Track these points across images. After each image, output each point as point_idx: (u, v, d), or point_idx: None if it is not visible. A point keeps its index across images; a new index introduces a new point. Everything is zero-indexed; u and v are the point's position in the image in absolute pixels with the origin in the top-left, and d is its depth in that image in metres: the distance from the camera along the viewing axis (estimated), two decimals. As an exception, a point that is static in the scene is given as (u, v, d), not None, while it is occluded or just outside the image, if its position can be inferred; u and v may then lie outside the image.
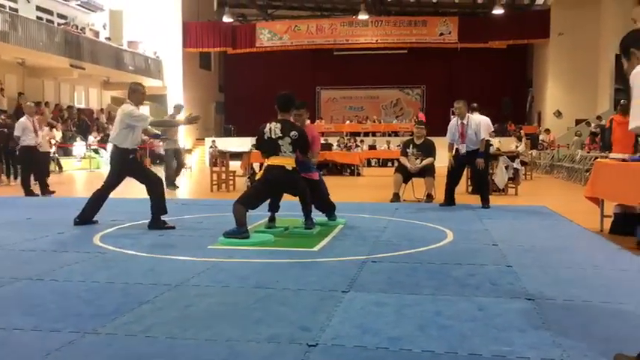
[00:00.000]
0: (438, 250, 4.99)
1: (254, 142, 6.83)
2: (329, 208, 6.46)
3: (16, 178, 12.81)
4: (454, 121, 8.36)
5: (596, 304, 3.35)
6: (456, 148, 8.33)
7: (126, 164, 6.16)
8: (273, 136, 5.51)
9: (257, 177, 5.85)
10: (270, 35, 27.73)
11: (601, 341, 2.71)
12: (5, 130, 13.34)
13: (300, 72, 29.83)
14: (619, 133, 10.26)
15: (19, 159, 10.85)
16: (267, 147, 5.55)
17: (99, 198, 6.32)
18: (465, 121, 8.19)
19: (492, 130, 10.15)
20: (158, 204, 6.21)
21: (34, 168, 10.18)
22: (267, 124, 5.58)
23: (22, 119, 10.05)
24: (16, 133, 10.07)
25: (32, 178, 10.22)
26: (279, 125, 5.54)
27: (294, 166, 5.59)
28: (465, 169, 8.82)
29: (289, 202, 6.76)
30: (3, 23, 18.14)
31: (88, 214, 6.25)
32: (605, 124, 12.38)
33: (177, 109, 11.97)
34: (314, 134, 6.29)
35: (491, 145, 10.32)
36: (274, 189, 5.65)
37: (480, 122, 8.29)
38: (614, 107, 17.17)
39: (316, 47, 27.88)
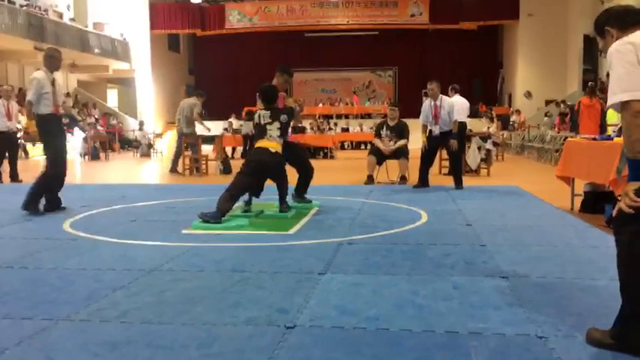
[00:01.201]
0: (413, 230, 5.04)
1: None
2: (306, 181, 6.53)
3: None
4: (427, 102, 8.41)
5: (568, 281, 3.42)
6: (430, 130, 8.39)
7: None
8: (262, 122, 5.78)
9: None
10: (240, 17, 27.40)
11: (574, 316, 2.77)
12: None
13: (271, 54, 29.54)
14: (586, 115, 10.49)
15: None
16: (257, 130, 5.85)
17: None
18: (438, 103, 8.25)
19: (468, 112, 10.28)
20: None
21: (6, 154, 9.90)
22: (257, 111, 5.87)
23: None
24: None
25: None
26: (267, 112, 5.81)
27: (279, 150, 5.73)
28: (439, 151, 8.91)
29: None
30: (-40, 4, 17.55)
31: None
32: (573, 106, 12.61)
33: (200, 95, 11.66)
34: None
35: (469, 128, 10.45)
36: (259, 171, 5.68)
37: (452, 103, 8.37)
38: (583, 88, 17.46)
39: (287, 29, 27.66)
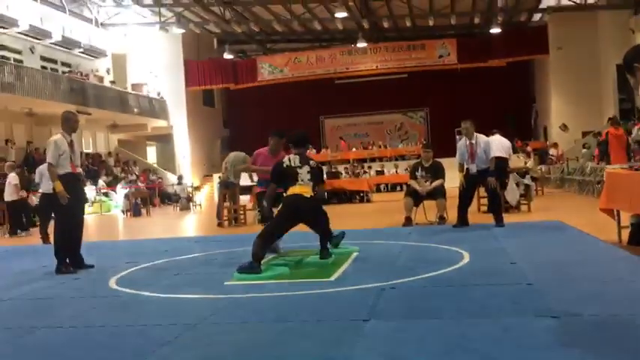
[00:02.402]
0: (456, 271, 4.94)
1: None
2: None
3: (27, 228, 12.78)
4: (463, 141, 8.37)
5: (623, 318, 3.29)
6: (467, 168, 8.31)
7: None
8: (293, 165, 5.70)
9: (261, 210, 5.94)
10: (271, 69, 28.05)
11: (630, 354, 2.65)
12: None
13: (303, 102, 30.08)
14: (616, 145, 10.31)
15: (39, 207, 10.92)
16: (285, 176, 5.71)
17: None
18: (473, 141, 8.19)
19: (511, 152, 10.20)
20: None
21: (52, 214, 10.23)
22: (285, 156, 5.87)
23: (42, 166, 10.12)
24: (36, 179, 10.16)
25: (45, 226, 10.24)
26: (297, 157, 5.81)
27: (312, 194, 5.72)
28: (477, 189, 8.79)
29: (301, 232, 6.74)
30: (9, 75, 18.47)
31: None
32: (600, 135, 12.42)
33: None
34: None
35: (509, 168, 10.34)
36: (295, 217, 5.63)
37: (489, 141, 8.28)
38: (621, 117, 17.15)
39: (317, 77, 28.14)
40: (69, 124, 6.47)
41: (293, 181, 5.65)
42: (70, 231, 6.29)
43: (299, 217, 5.67)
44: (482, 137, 8.31)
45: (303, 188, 5.65)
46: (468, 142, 8.24)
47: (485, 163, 8.16)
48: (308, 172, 5.69)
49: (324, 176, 6.45)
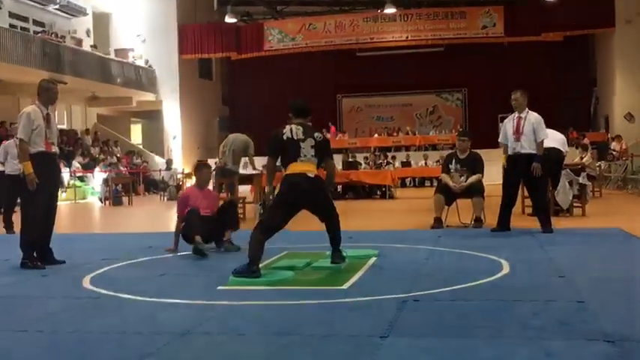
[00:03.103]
0: (493, 284, 4.94)
1: (265, 163, 6.90)
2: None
3: None
4: (510, 117, 8.31)
5: (690, 345, 3.28)
6: (509, 155, 8.18)
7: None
8: (295, 137, 5.55)
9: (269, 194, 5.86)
10: (281, 36, 28.05)
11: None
12: None
13: (318, 78, 30.06)
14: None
15: (2, 190, 11.01)
16: (286, 150, 5.56)
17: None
18: (522, 115, 8.11)
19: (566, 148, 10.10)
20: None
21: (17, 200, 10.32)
22: (286, 126, 5.66)
23: (9, 142, 10.21)
24: (0, 158, 10.25)
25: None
26: (300, 127, 5.62)
27: (317, 173, 5.60)
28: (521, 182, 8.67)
29: (310, 232, 6.78)
30: (-29, 34, 18.66)
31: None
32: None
33: None
34: None
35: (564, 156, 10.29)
36: (296, 202, 5.52)
37: (540, 120, 8.15)
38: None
39: (335, 48, 28.11)
40: (47, 94, 6.54)
41: (294, 157, 5.51)
42: (39, 220, 6.36)
43: (301, 202, 5.54)
44: (533, 114, 8.19)
45: (306, 165, 5.51)
46: (516, 116, 8.16)
47: (532, 146, 8.04)
48: (312, 146, 5.54)
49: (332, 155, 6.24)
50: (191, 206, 6.97)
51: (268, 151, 5.74)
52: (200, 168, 7.55)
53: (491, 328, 3.69)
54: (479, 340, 3.46)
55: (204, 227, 6.83)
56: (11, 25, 21.74)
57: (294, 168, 5.50)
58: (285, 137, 5.56)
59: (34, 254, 6.31)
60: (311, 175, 5.51)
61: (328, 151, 5.89)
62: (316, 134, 5.65)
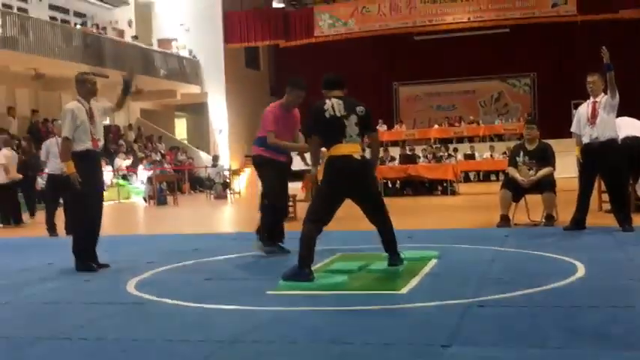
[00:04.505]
0: (566, 288, 4.86)
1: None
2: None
3: (32, 214, 13.40)
4: (585, 103, 8.13)
5: None
6: (585, 144, 8.01)
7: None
8: (338, 114, 5.39)
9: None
10: (332, 21, 28.10)
11: None
12: (24, 157, 14.01)
13: (372, 65, 29.98)
14: None
15: (45, 191, 11.35)
16: (328, 130, 5.40)
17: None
18: (598, 99, 7.94)
19: None
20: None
21: (60, 201, 10.63)
22: (326, 101, 5.47)
23: (51, 140, 10.50)
24: (42, 157, 10.56)
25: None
26: (340, 102, 5.44)
27: (364, 155, 5.47)
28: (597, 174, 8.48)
29: (362, 232, 6.76)
30: (11, 27, 19.23)
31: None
32: None
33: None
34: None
35: None
36: (343, 188, 5.39)
37: (616, 104, 7.95)
38: None
39: (391, 32, 27.97)
40: (85, 87, 6.66)
41: (339, 137, 5.34)
42: (86, 221, 6.50)
43: (349, 189, 5.39)
44: (608, 99, 8.00)
45: (352, 147, 5.36)
46: (591, 101, 7.99)
47: (611, 132, 7.84)
48: (356, 123, 5.38)
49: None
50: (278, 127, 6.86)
51: (311, 129, 5.58)
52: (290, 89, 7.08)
53: (564, 337, 3.63)
54: (550, 350, 3.42)
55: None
56: (51, 18, 22.31)
57: (339, 150, 5.36)
58: (327, 115, 5.40)
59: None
60: (357, 156, 5.40)
61: (372, 124, 5.76)
62: (358, 108, 5.45)
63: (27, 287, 5.85)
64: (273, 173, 6.98)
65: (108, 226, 12.35)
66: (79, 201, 6.49)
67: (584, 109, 8.06)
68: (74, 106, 6.54)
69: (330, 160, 5.39)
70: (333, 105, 5.43)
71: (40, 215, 12.10)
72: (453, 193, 17.20)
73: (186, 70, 27.50)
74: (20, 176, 12.62)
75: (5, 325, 4.54)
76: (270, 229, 7.01)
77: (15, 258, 7.96)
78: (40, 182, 14.03)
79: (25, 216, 13.27)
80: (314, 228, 5.34)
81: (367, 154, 5.71)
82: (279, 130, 6.90)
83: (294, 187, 13.22)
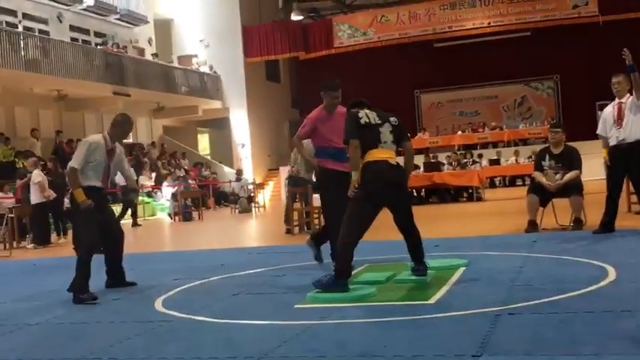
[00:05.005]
0: (598, 293, 4.81)
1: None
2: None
3: (65, 234, 13.49)
4: (610, 104, 8.08)
5: None
6: (612, 146, 7.94)
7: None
8: (373, 122, 5.51)
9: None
10: (351, 31, 28.18)
11: None
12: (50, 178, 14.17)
13: (393, 73, 29.95)
14: None
15: (71, 210, 11.45)
16: (363, 136, 5.43)
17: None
18: (624, 100, 7.87)
19: None
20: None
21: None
22: (359, 110, 5.61)
23: None
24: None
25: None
26: (373, 112, 5.60)
27: (398, 162, 5.51)
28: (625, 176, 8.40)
29: (388, 241, 6.75)
30: (33, 49, 19.53)
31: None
32: None
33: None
34: None
35: None
36: (381, 194, 5.39)
37: None
38: None
39: (410, 41, 27.96)
40: (122, 129, 6.52)
41: (374, 143, 5.42)
42: (94, 249, 6.33)
43: (386, 194, 5.40)
44: (634, 101, 7.94)
45: (387, 152, 5.44)
46: (616, 103, 7.92)
47: (638, 133, 7.76)
48: (390, 131, 5.50)
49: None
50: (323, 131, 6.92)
51: (348, 135, 5.52)
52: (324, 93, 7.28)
53: (597, 343, 3.59)
54: (583, 357, 3.39)
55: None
56: (72, 39, 22.64)
57: (375, 155, 5.41)
58: (363, 122, 5.50)
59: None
60: (393, 162, 5.45)
61: (406, 133, 5.84)
62: (392, 118, 5.60)
63: (56, 308, 5.90)
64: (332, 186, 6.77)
65: (134, 243, 12.46)
66: (84, 227, 6.29)
67: (609, 111, 8.00)
68: (95, 140, 6.34)
69: (367, 164, 5.42)
70: (367, 114, 5.57)
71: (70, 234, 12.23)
72: (479, 199, 17.13)
73: (207, 85, 27.71)
74: (54, 194, 12.79)
75: (35, 346, 4.58)
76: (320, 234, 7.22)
77: (44, 278, 8.06)
78: (66, 202, 14.18)
79: (54, 236, 13.42)
80: (355, 239, 5.35)
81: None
82: (325, 132, 6.99)
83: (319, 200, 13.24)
